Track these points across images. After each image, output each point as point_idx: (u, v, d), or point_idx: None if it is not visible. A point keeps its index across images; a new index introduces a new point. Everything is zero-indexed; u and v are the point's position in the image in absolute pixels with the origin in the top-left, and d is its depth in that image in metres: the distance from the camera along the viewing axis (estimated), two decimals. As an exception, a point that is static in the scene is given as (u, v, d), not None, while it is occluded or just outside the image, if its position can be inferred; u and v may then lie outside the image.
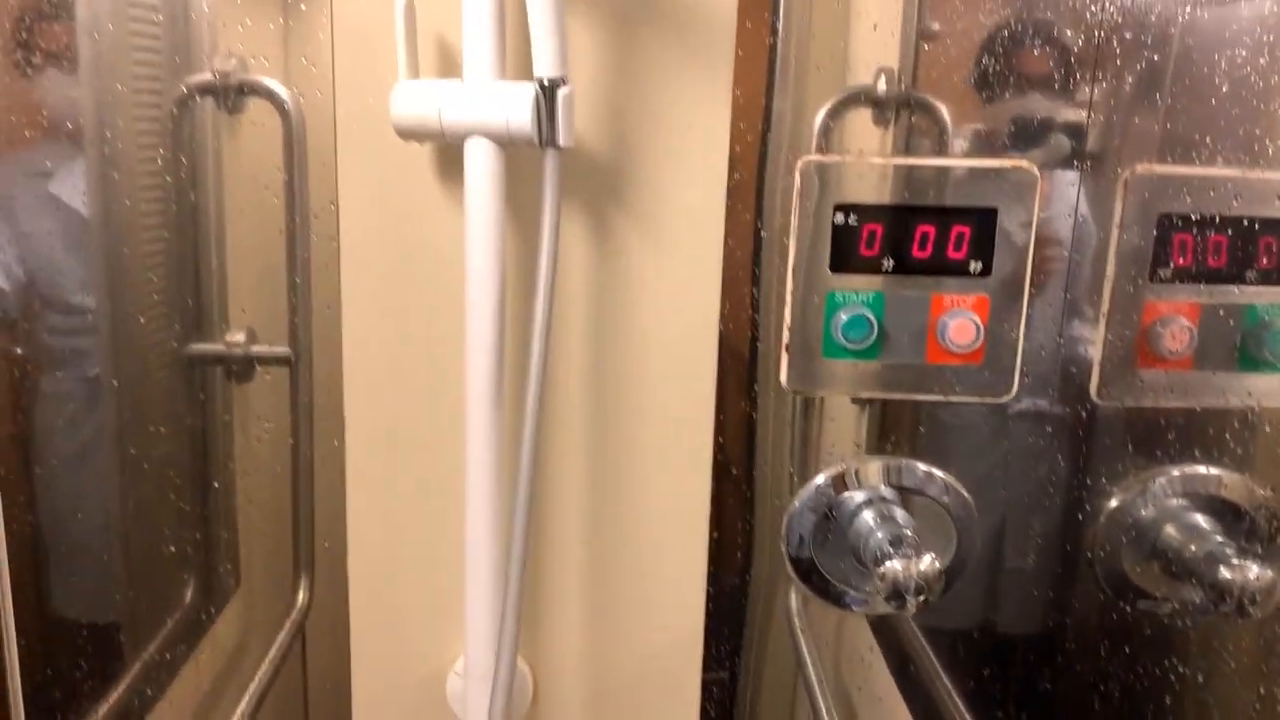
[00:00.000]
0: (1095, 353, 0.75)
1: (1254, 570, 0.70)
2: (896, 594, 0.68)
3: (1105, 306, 0.74)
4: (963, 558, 0.78)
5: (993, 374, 0.74)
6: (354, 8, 0.66)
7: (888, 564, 0.68)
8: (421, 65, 0.66)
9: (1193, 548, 0.75)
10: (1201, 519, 0.77)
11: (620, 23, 0.66)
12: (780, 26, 0.71)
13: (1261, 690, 0.84)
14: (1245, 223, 0.72)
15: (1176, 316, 0.73)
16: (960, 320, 0.71)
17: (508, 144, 0.63)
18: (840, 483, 0.77)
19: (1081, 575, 0.80)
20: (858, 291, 0.72)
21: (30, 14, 0.75)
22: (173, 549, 0.88)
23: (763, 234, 0.73)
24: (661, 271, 0.70)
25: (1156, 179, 0.72)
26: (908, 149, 0.73)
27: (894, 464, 0.77)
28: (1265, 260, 0.72)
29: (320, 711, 0.91)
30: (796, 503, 0.77)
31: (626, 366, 0.72)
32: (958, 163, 0.71)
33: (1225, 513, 0.77)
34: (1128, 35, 0.70)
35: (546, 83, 0.61)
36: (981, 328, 0.72)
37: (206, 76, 0.78)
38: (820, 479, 0.77)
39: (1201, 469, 0.77)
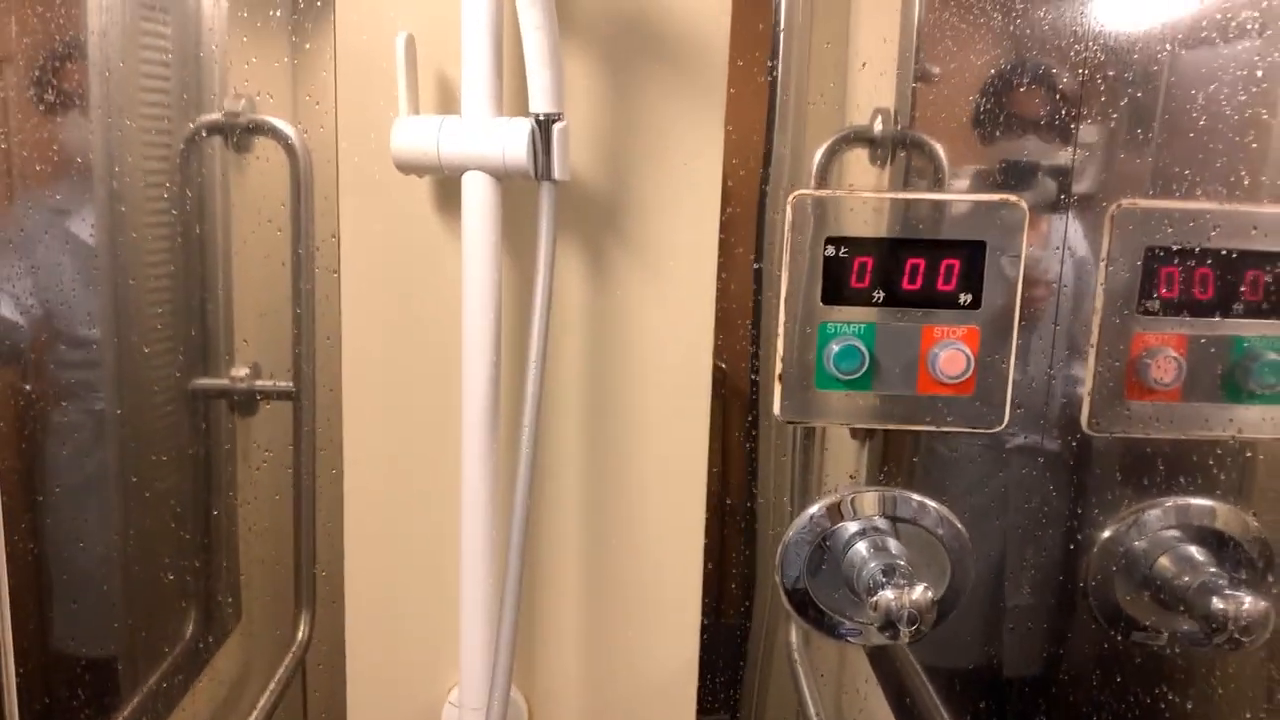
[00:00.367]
0: (1085, 384, 0.76)
1: (1246, 601, 0.70)
2: (889, 624, 0.68)
3: (1094, 338, 0.75)
4: (956, 589, 0.78)
5: (984, 405, 0.75)
6: (357, 46, 0.68)
7: (880, 593, 0.69)
8: (421, 101, 0.68)
9: (1185, 579, 0.75)
10: (1194, 550, 0.77)
11: (615, 61, 0.68)
12: (779, 68, 0.73)
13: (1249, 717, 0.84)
14: (1230, 255, 0.73)
15: (1164, 348, 0.74)
16: (951, 351, 0.72)
17: (504, 177, 0.64)
18: (836, 513, 0.78)
19: (1075, 606, 0.80)
20: (849, 323, 0.73)
21: (43, 53, 0.77)
22: (175, 582, 0.88)
23: (756, 267, 0.75)
24: (656, 303, 0.71)
25: (1142, 213, 0.73)
26: (904, 187, 0.74)
27: (889, 495, 0.78)
28: (1250, 293, 0.73)
29: (318, 744, 0.91)
30: (791, 533, 0.78)
31: (621, 398, 0.72)
32: (947, 197, 0.73)
33: (1218, 543, 0.78)
34: (1111, 74, 0.72)
35: (542, 118, 0.62)
36: (972, 359, 0.73)
37: (215, 116, 0.80)
38: (814, 509, 0.77)
39: (1193, 500, 0.78)
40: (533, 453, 0.66)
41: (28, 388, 0.82)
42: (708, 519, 0.74)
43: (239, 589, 0.89)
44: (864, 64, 0.73)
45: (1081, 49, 0.72)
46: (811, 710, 0.82)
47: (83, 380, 0.83)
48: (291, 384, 0.85)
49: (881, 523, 0.77)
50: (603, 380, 0.72)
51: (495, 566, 0.68)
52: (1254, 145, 0.72)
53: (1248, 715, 0.83)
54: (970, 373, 0.73)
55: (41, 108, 0.78)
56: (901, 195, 0.73)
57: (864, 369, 0.73)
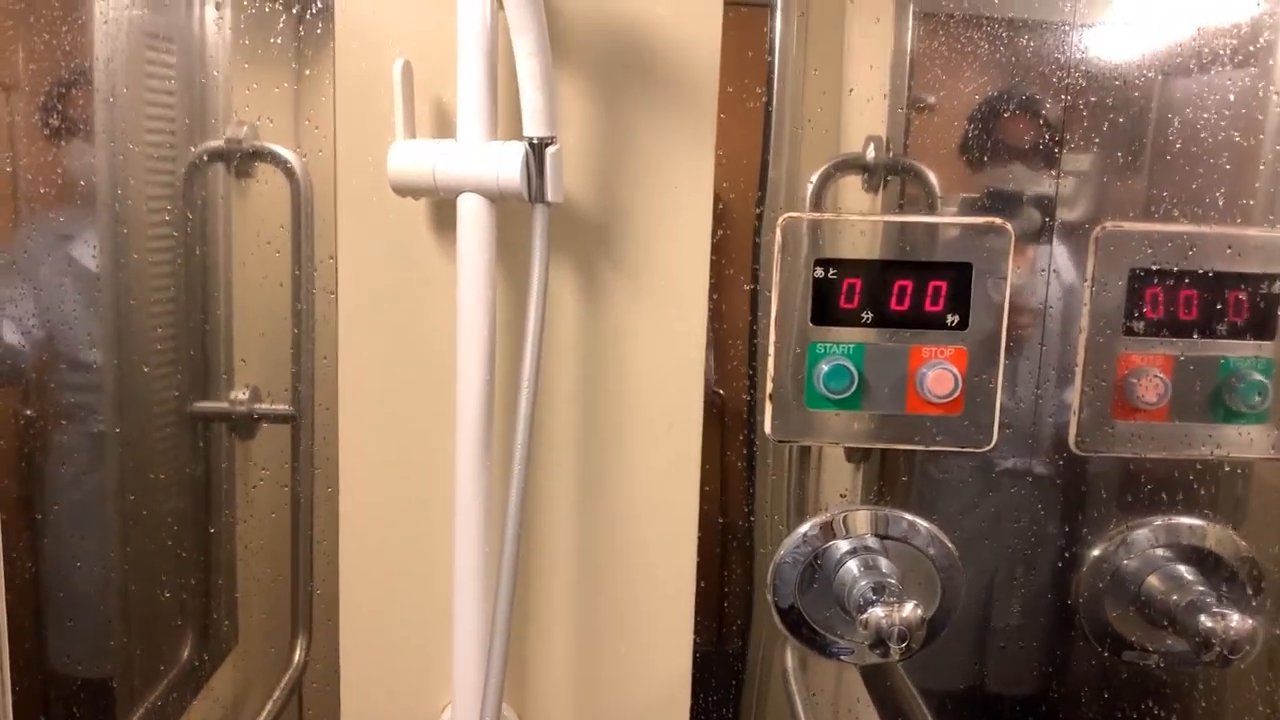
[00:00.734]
0: (1072, 404, 0.77)
1: (1234, 619, 0.71)
2: (880, 641, 0.69)
3: (1080, 359, 0.76)
4: (947, 607, 0.78)
5: (972, 424, 0.76)
6: (355, 72, 0.70)
7: (870, 611, 0.69)
8: (418, 125, 0.69)
9: (1174, 597, 0.75)
10: (1183, 569, 0.77)
11: (607, 85, 0.70)
12: (773, 95, 0.74)
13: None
14: (1213, 277, 0.74)
15: (1150, 368, 0.75)
16: (939, 371, 0.73)
17: (498, 199, 0.65)
18: (828, 532, 0.78)
19: (1065, 625, 0.80)
20: (838, 343, 0.74)
21: (50, 80, 0.79)
22: (172, 603, 0.88)
23: (750, 289, 0.76)
24: (648, 323, 0.72)
25: (1126, 235, 0.74)
26: (897, 212, 0.75)
27: (880, 514, 0.78)
28: (1234, 314, 0.74)
29: (312, 766, 0.91)
30: (782, 552, 0.78)
31: (613, 417, 0.73)
32: (933, 219, 0.74)
33: (1206, 562, 0.78)
34: (1094, 100, 0.74)
35: (536, 141, 0.64)
36: (960, 378, 0.74)
37: (217, 142, 0.81)
38: (806, 528, 0.78)
39: (1181, 519, 0.79)
40: (525, 471, 0.66)
41: (29, 411, 0.83)
42: (701, 538, 0.75)
43: (236, 610, 0.89)
44: (851, 89, 0.74)
45: (1065, 76, 0.74)
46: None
47: (83, 402, 0.84)
48: (290, 407, 0.86)
49: (872, 541, 0.78)
50: (595, 400, 0.73)
51: (489, 585, 0.68)
52: (1229, 168, 0.73)
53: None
54: (958, 392, 0.74)
55: (47, 133, 0.80)
56: (889, 218, 0.74)
57: (853, 388, 0.74)
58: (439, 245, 0.71)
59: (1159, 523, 0.79)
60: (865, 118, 0.75)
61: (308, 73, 0.79)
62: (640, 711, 0.77)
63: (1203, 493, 0.78)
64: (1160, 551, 0.78)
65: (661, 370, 0.73)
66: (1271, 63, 0.73)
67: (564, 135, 0.69)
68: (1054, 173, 0.74)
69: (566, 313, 0.72)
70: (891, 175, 0.75)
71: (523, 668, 0.77)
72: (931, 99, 0.74)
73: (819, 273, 0.74)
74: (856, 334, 0.74)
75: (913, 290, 0.73)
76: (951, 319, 0.74)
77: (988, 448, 0.76)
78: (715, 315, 0.74)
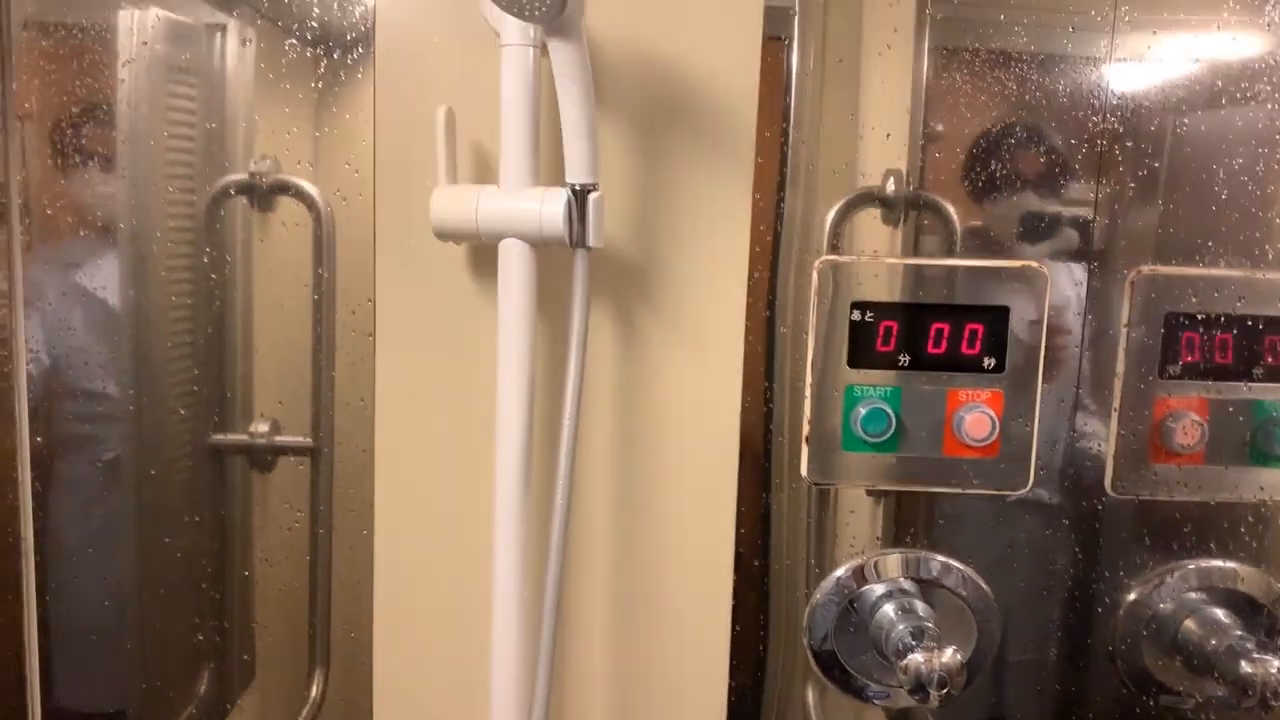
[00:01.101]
0: (1108, 447, 0.77)
1: (1275, 665, 0.70)
2: (920, 686, 0.68)
3: (1117, 402, 0.76)
4: (983, 650, 0.78)
5: (1008, 467, 0.76)
6: (394, 117, 0.70)
7: (910, 657, 0.69)
8: (459, 169, 0.69)
9: (1213, 642, 0.75)
10: (1220, 613, 0.77)
11: (646, 129, 0.70)
12: (791, 131, 0.75)
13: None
14: (1250, 322, 0.74)
15: (1187, 412, 0.75)
16: (976, 414, 0.73)
17: (540, 244, 0.66)
18: (860, 575, 0.78)
19: (1102, 669, 0.80)
20: (875, 386, 0.75)
21: (71, 112, 0.79)
22: (189, 638, 0.88)
23: (779, 330, 0.76)
24: (684, 366, 0.72)
25: (1162, 279, 0.74)
26: (917, 247, 0.76)
27: (912, 556, 0.78)
28: (1271, 358, 0.75)
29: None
30: (819, 595, 0.78)
31: (650, 458, 0.73)
32: (970, 263, 0.74)
33: (1244, 607, 0.78)
34: (1129, 144, 0.74)
35: (578, 188, 0.64)
36: (996, 422, 0.74)
37: (240, 176, 0.82)
38: (841, 571, 0.78)
39: (1218, 563, 0.78)
40: (566, 514, 0.66)
41: (40, 439, 0.83)
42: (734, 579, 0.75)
43: (254, 644, 0.89)
44: (873, 127, 0.75)
45: (1099, 120, 0.74)
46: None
47: (97, 434, 0.84)
48: (310, 439, 0.86)
49: (907, 584, 0.77)
50: (631, 441, 0.73)
51: (527, 628, 0.68)
52: (1270, 215, 0.74)
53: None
54: (995, 436, 0.74)
55: (68, 165, 0.80)
56: (925, 261, 0.74)
57: (891, 432, 0.74)
58: (478, 288, 0.72)
59: (1193, 566, 0.78)
60: (883, 151, 0.75)
61: (333, 109, 0.79)
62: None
63: (1239, 536, 0.78)
64: (1196, 595, 0.78)
65: (697, 411, 0.73)
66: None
67: (602, 179, 0.69)
68: (1089, 215, 0.75)
69: (603, 354, 0.72)
70: (913, 210, 0.75)
71: (560, 712, 0.76)
72: (954, 133, 0.75)
73: (855, 315, 0.74)
74: (893, 377, 0.74)
75: (949, 333, 0.74)
76: (988, 362, 0.74)
77: (1024, 490, 0.76)
78: (745, 355, 0.74)
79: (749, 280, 0.72)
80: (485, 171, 0.71)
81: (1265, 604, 0.78)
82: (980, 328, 0.74)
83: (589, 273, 0.66)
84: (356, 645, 0.83)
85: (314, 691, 0.89)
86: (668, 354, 0.72)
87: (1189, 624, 0.77)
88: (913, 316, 0.74)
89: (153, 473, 0.85)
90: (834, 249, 0.75)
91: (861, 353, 0.74)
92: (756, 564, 0.79)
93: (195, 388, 0.85)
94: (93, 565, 0.85)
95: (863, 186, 0.76)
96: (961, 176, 0.75)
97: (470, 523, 0.74)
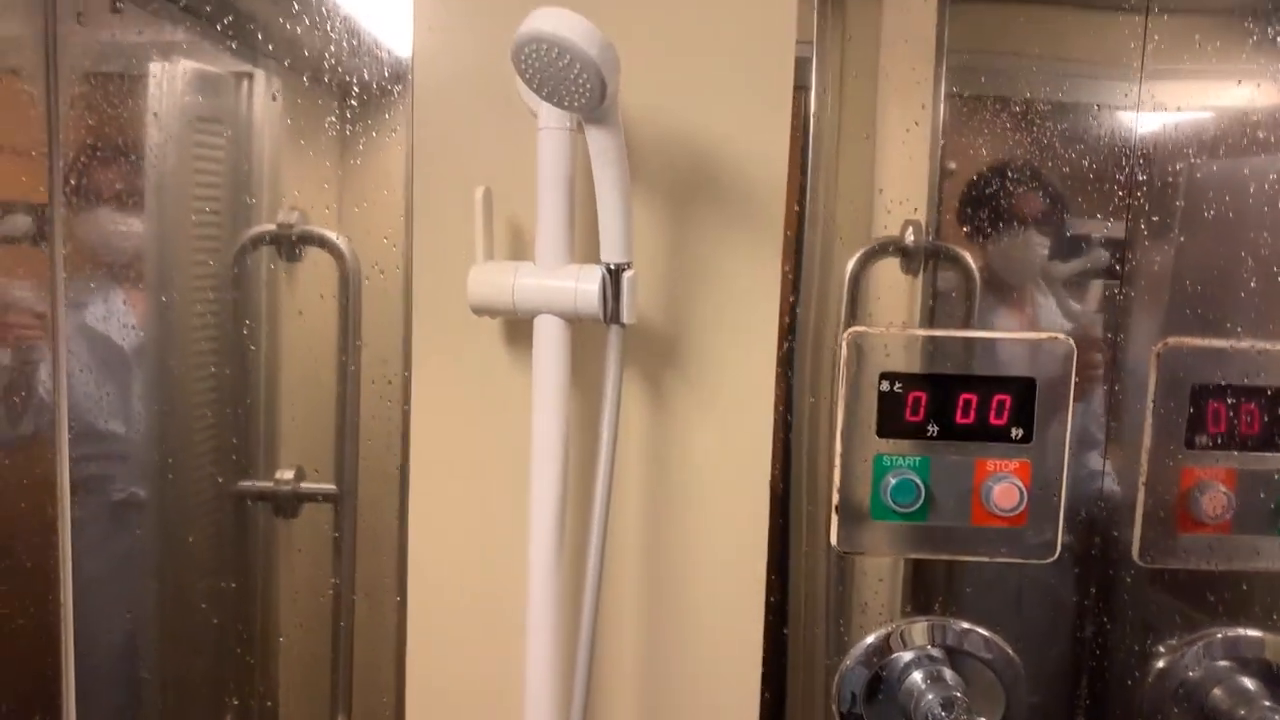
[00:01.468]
0: (1136, 517, 0.77)
1: (1305, 738, 0.71)
2: (950, 758, 0.69)
3: (1144, 472, 0.76)
4: (1011, 718, 0.78)
5: (1036, 536, 0.76)
6: (432, 194, 0.72)
7: (940, 728, 0.69)
8: (495, 244, 0.71)
9: (1241, 711, 0.75)
10: (1249, 682, 0.77)
11: (678, 204, 0.71)
12: (809, 184, 0.76)
13: None
14: (1273, 392, 0.75)
15: (1214, 483, 0.75)
16: (1004, 485, 0.74)
17: (574, 320, 0.67)
18: (888, 643, 0.78)
19: (1131, 738, 0.80)
20: (904, 456, 0.75)
21: (99, 156, 0.81)
22: (212, 683, 0.88)
23: (808, 400, 0.77)
24: (714, 435, 0.73)
25: (1187, 351, 0.75)
26: (935, 299, 0.76)
27: (939, 623, 0.78)
28: (1297, 428, 0.75)
29: None
30: (847, 662, 0.78)
31: (680, 527, 0.74)
32: (997, 335, 0.75)
33: (1272, 676, 0.78)
34: (1155, 219, 0.75)
35: (613, 267, 0.65)
36: (1024, 492, 0.75)
37: (268, 226, 0.83)
38: (869, 639, 0.78)
39: (1246, 631, 0.79)
40: (599, 580, 0.67)
41: (58, 478, 0.84)
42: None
43: (276, 690, 0.90)
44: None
45: (1125, 194, 0.75)
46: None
47: (104, 473, 0.85)
48: (334, 486, 0.87)
49: (935, 652, 0.78)
50: (662, 510, 0.74)
51: (560, 694, 0.68)
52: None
53: None
54: (1023, 505, 0.75)
55: (97, 211, 0.81)
56: (953, 333, 0.75)
57: (920, 502, 0.74)
58: (512, 358, 0.73)
59: (1221, 635, 0.79)
60: (902, 201, 0.76)
61: (355, 162, 0.81)
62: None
63: (1265, 605, 0.78)
64: (1224, 663, 0.78)
65: (728, 480, 0.73)
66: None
67: (635, 254, 0.70)
68: (1115, 287, 0.76)
69: (634, 423, 0.73)
70: (931, 259, 0.76)
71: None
72: (961, 175, 0.76)
73: (884, 386, 0.75)
74: (922, 446, 0.75)
75: (977, 403, 0.74)
76: (1016, 432, 0.75)
77: (1051, 559, 0.77)
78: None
79: (779, 351, 0.73)
80: (521, 246, 0.72)
81: (1289, 672, 0.78)
82: (1008, 398, 0.75)
83: (623, 348, 0.67)
84: (378, 688, 0.84)
85: (337, 739, 0.89)
86: (698, 421, 0.73)
87: (1217, 693, 0.78)
88: (941, 387, 0.75)
89: (178, 517, 0.86)
90: (854, 298, 0.76)
91: (890, 423, 0.75)
92: (785, 631, 0.79)
93: (220, 433, 0.86)
94: (108, 605, 0.86)
95: (881, 236, 0.77)
96: (978, 231, 0.76)
97: (503, 588, 0.74)
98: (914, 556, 0.78)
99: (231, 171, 0.83)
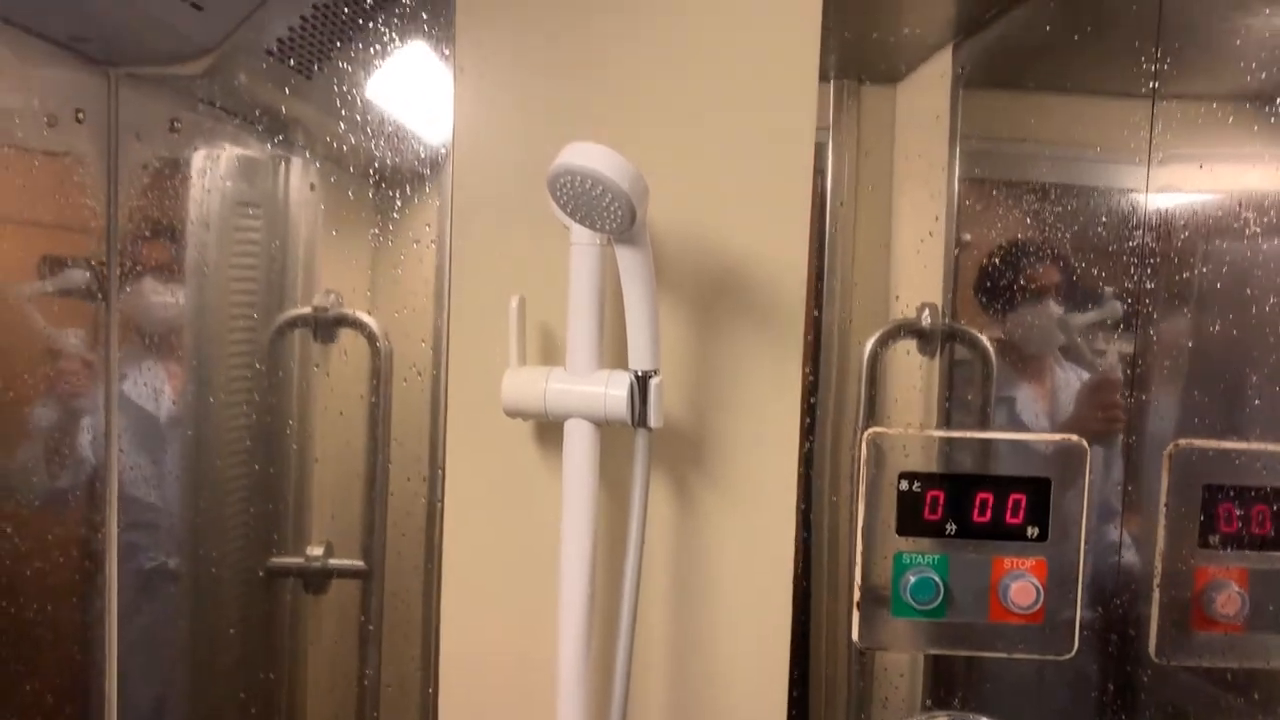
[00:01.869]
0: (1152, 615, 0.78)
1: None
2: None
3: (1159, 573, 0.78)
4: (1033, 817, 0.79)
5: (1053, 633, 0.77)
6: (468, 301, 0.75)
7: (963, 827, 0.70)
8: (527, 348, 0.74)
9: (1260, 811, 0.76)
10: (1266, 780, 0.78)
11: (702, 311, 0.74)
12: (825, 268, 0.78)
13: None
14: (1285, 494, 0.77)
15: (1228, 582, 0.77)
16: (1021, 583, 0.76)
17: (603, 424, 0.69)
18: (911, 736, 0.80)
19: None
20: (924, 554, 0.77)
21: (142, 236, 0.85)
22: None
23: (830, 498, 0.79)
24: (738, 534, 0.75)
25: (1199, 452, 0.77)
26: (951, 381, 0.78)
27: (959, 719, 0.80)
28: (1309, 529, 0.77)
29: None
30: (871, 758, 0.80)
31: (707, 621, 0.75)
32: (1013, 436, 0.77)
33: (1288, 774, 0.79)
34: (1164, 326, 0.77)
35: (641, 374, 0.68)
36: (1041, 589, 0.76)
37: (303, 310, 0.87)
38: (892, 734, 0.80)
39: (1259, 728, 0.79)
40: (627, 681, 0.68)
41: (88, 548, 0.86)
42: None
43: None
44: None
45: (1135, 304, 0.78)
46: None
47: (134, 541, 0.87)
48: (363, 563, 0.89)
49: (957, 748, 0.79)
50: (687, 607, 0.76)
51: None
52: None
53: None
54: (1040, 603, 0.76)
55: (138, 286, 0.85)
56: (969, 434, 0.77)
57: (939, 599, 0.76)
58: (542, 458, 0.75)
59: (1238, 731, 0.80)
60: (918, 286, 0.79)
61: (390, 242, 0.84)
62: None
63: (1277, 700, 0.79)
64: (1242, 760, 0.79)
65: (752, 577, 0.75)
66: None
67: (661, 360, 0.73)
68: (1128, 389, 0.78)
69: (662, 522, 0.75)
70: (948, 341, 0.79)
71: None
72: (976, 256, 0.78)
73: (903, 485, 0.77)
74: (941, 545, 0.77)
75: (994, 503, 0.76)
76: (1032, 531, 0.77)
77: (1069, 655, 0.78)
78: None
79: (801, 450, 0.75)
80: (551, 350, 0.75)
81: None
82: (1023, 498, 0.77)
83: (650, 451, 0.69)
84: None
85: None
86: (722, 522, 0.75)
87: (1236, 792, 0.78)
88: (958, 486, 0.77)
89: (209, 592, 0.89)
90: (872, 381, 0.78)
91: (909, 521, 0.77)
92: (803, 724, 0.81)
93: (251, 509, 0.88)
94: (149, 679, 0.88)
95: (898, 319, 0.79)
96: (994, 317, 0.78)
97: (533, 682, 0.76)
98: (933, 652, 0.79)
99: (268, 252, 0.87)
